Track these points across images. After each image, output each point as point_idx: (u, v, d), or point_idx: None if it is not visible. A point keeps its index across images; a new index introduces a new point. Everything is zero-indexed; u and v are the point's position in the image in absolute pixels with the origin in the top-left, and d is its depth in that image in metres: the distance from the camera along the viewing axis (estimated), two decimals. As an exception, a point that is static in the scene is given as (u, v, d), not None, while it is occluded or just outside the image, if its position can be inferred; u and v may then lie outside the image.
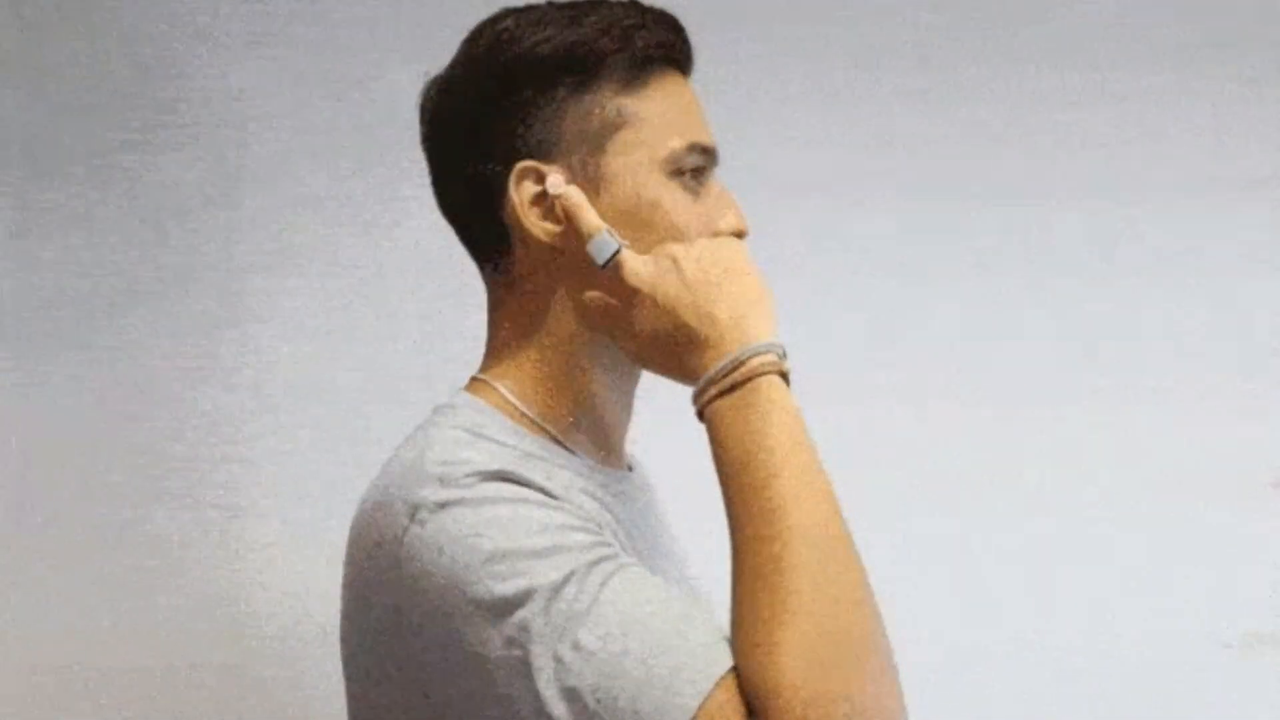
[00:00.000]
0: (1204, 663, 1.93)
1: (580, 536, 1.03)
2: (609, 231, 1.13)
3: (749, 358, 1.08)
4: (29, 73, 1.91)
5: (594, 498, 1.14)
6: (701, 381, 1.09)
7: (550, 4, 1.18)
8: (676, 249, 1.12)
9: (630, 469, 1.27)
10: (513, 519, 1.02)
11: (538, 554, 1.00)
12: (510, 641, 0.99)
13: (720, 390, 1.08)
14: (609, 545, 1.04)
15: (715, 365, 1.08)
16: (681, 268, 1.11)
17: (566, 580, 1.00)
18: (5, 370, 1.88)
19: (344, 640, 1.13)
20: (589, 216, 1.13)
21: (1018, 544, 1.92)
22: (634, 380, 1.23)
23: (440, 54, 1.23)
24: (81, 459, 1.88)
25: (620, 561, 1.03)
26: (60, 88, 1.91)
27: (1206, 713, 1.91)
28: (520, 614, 0.99)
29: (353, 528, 1.11)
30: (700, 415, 1.09)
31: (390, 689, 1.07)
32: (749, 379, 1.07)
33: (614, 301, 1.13)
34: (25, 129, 1.90)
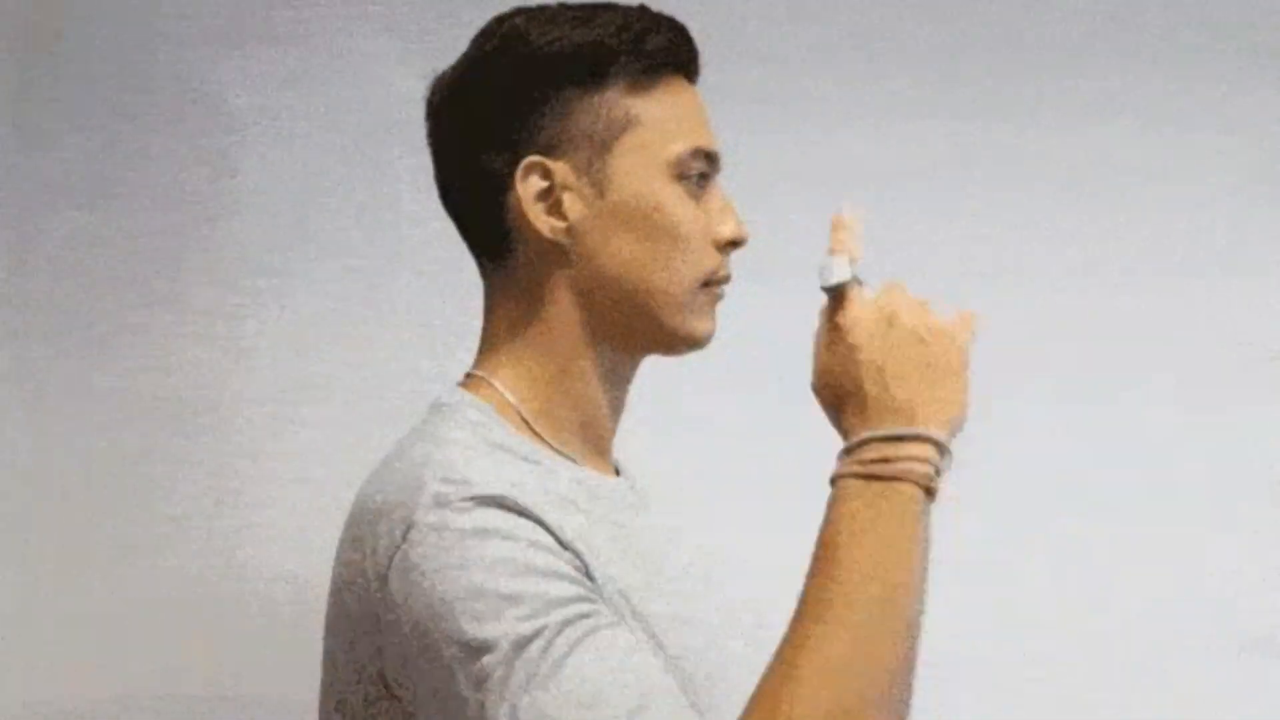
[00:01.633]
0: (1206, 663, 1.94)
1: (560, 588, 1.03)
2: (852, 261, 1.12)
3: (905, 440, 1.06)
4: (29, 74, 1.91)
5: (580, 510, 1.13)
6: (855, 439, 1.07)
7: (560, 4, 1.20)
8: (904, 312, 1.10)
9: (618, 473, 1.27)
10: (496, 556, 1.02)
11: (512, 599, 1.01)
12: (474, 683, 1.00)
13: (863, 472, 1.06)
14: (589, 600, 1.04)
15: (867, 431, 1.07)
16: (893, 334, 1.09)
17: (535, 635, 1.00)
18: (5, 371, 1.87)
19: (327, 629, 1.14)
20: (845, 236, 1.13)
21: (1017, 543, 1.93)
22: (628, 380, 1.23)
23: (440, 55, 1.24)
24: (82, 459, 1.87)
25: (594, 623, 1.03)
26: (64, 90, 1.91)
27: (1208, 713, 1.91)
28: (486, 660, 1.00)
29: (348, 526, 1.12)
30: (833, 480, 1.08)
31: (362, 682, 1.08)
32: (894, 479, 1.05)
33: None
34: (28, 134, 1.90)
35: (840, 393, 1.09)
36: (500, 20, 1.20)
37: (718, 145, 1.21)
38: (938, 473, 1.06)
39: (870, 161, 1.99)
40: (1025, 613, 1.93)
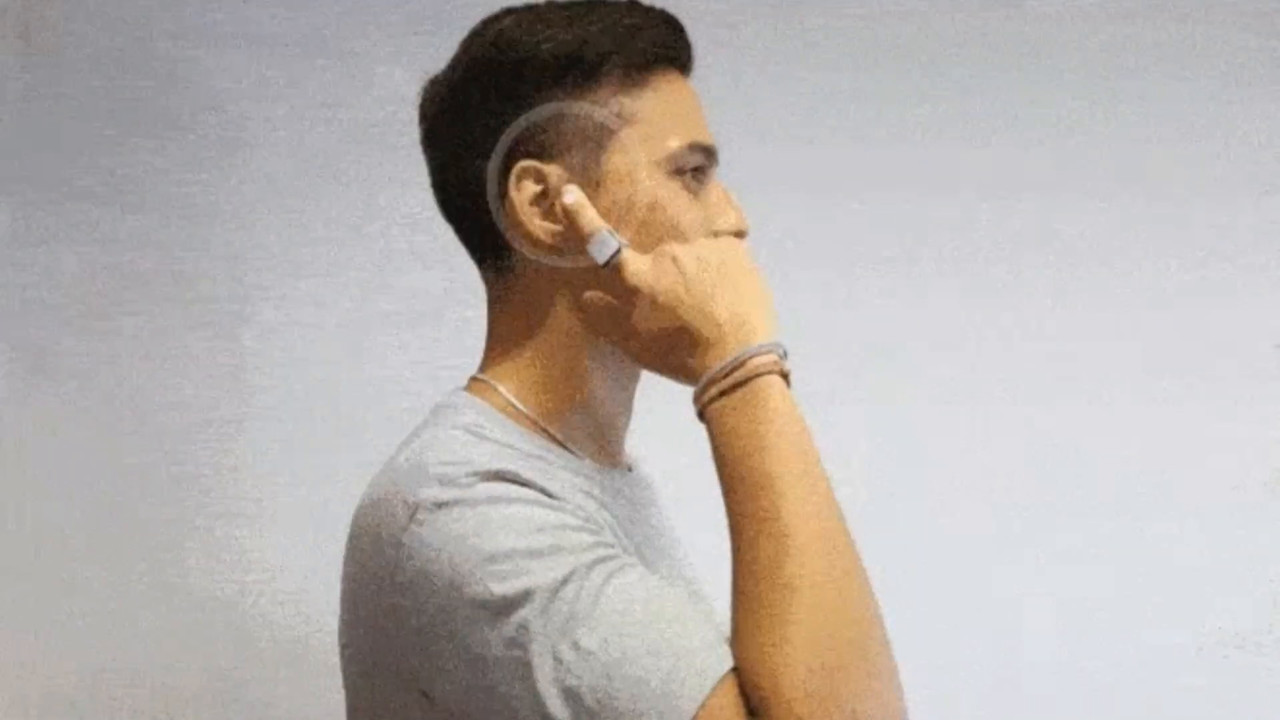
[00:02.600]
0: (1194, 665, 1.94)
1: (580, 536, 1.03)
2: (609, 231, 1.12)
3: (749, 358, 1.07)
4: (30, 76, 1.91)
5: (593, 498, 1.14)
6: (702, 381, 1.09)
7: (550, 3, 1.18)
8: (676, 248, 1.12)
9: (630, 469, 1.27)
10: (512, 519, 1.02)
11: (537, 554, 1.00)
12: (510, 642, 0.99)
13: (720, 390, 1.07)
14: (609, 545, 1.04)
15: (715, 365, 1.08)
16: (682, 267, 1.11)
17: (566, 580, 0.99)
18: (6, 372, 1.88)
19: (342, 640, 1.13)
20: (590, 216, 1.13)
21: (1016, 543, 1.92)
22: (634, 380, 1.22)
23: (440, 55, 1.23)
24: (82, 461, 1.88)
25: (621, 561, 1.03)
26: (60, 89, 1.91)
27: (1178, 710, 1.91)
28: (520, 614, 0.99)
29: (353, 526, 1.11)
30: (701, 415, 1.09)
31: (388, 689, 1.06)
32: (749, 379, 1.07)
33: (614, 301, 1.13)
34: (26, 132, 1.90)
35: (670, 344, 1.10)
36: (488, 22, 1.19)
37: (713, 139, 1.19)
38: (785, 355, 1.09)
39: (868, 164, 1.98)
40: (1015, 611, 1.92)
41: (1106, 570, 1.94)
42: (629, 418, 1.25)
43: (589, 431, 1.20)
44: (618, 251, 1.12)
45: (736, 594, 1.02)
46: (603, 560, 1.02)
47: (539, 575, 0.99)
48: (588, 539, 1.03)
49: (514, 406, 1.17)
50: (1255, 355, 1.99)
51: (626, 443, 1.27)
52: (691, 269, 1.11)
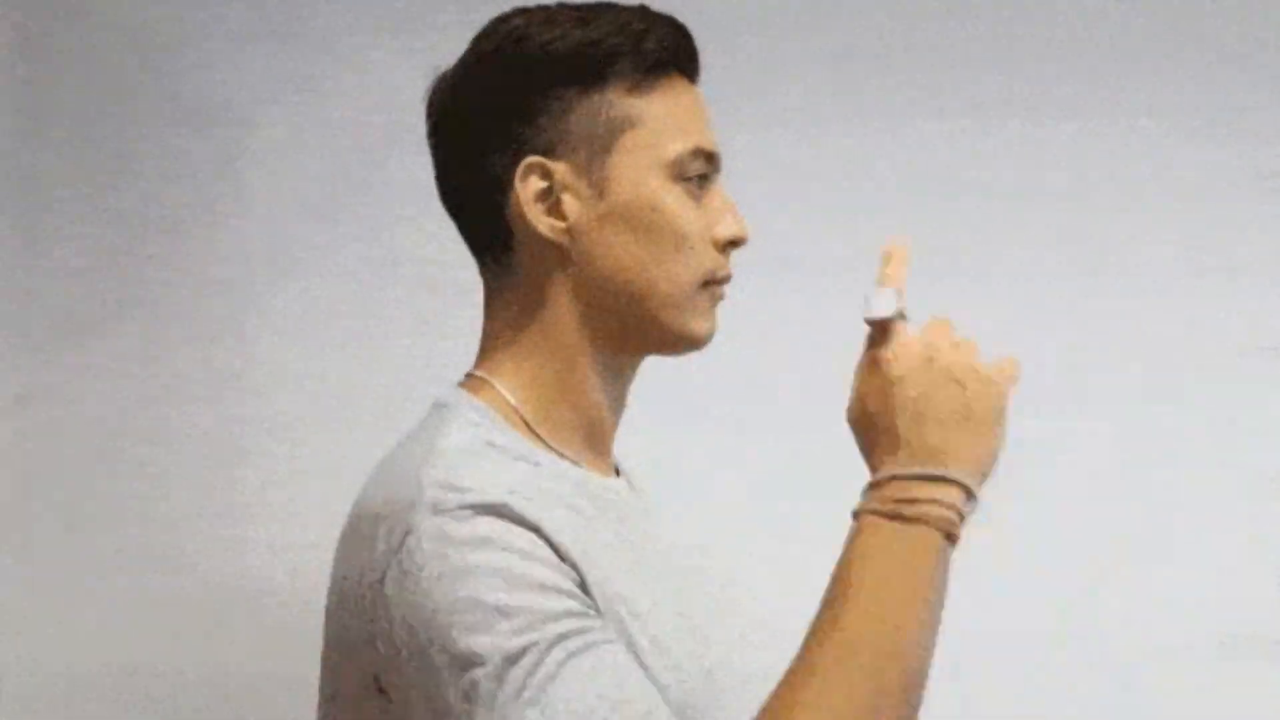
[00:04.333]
0: (1198, 663, 1.94)
1: (554, 602, 1.02)
2: (899, 294, 1.11)
3: (931, 481, 1.05)
4: (28, 76, 1.90)
5: (578, 513, 1.13)
6: (877, 476, 1.07)
7: (560, 5, 1.19)
8: (942, 355, 1.09)
9: (618, 473, 1.27)
10: (490, 568, 1.02)
11: (505, 612, 1.00)
12: (463, 695, 1.00)
13: (884, 512, 1.06)
14: (578, 613, 1.03)
15: (897, 469, 1.06)
16: (931, 373, 1.09)
17: (525, 651, 1.00)
18: (6, 374, 1.87)
19: (327, 628, 1.14)
20: (894, 268, 1.13)
21: (1002, 544, 1.92)
22: (629, 381, 1.23)
23: (443, 55, 1.24)
24: (83, 461, 1.87)
25: (587, 640, 1.02)
26: (62, 91, 1.91)
27: (1189, 712, 1.92)
28: (475, 673, 1.00)
29: (348, 526, 1.12)
30: (855, 514, 1.08)
31: (358, 689, 1.08)
32: (916, 520, 1.05)
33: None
34: (26, 133, 1.90)
35: (873, 426, 1.09)
36: (500, 20, 1.20)
37: (718, 145, 1.20)
38: (961, 519, 1.06)
39: (871, 163, 1.99)
40: (1015, 611, 1.93)
41: (1106, 570, 1.95)
42: (618, 421, 1.25)
43: (580, 432, 1.20)
44: (890, 317, 1.10)
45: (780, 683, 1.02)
46: (566, 637, 1.01)
47: (501, 637, 1.00)
48: (557, 607, 1.02)
49: (509, 405, 1.17)
50: (1257, 356, 2.01)
51: (617, 449, 1.27)
52: (938, 380, 1.08)
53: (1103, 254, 2.02)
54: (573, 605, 1.03)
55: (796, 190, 1.92)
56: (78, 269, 1.90)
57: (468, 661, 1.00)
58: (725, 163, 1.21)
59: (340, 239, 1.94)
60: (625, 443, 1.27)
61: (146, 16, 1.92)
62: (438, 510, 1.04)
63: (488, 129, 1.17)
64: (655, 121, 1.17)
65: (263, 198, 1.94)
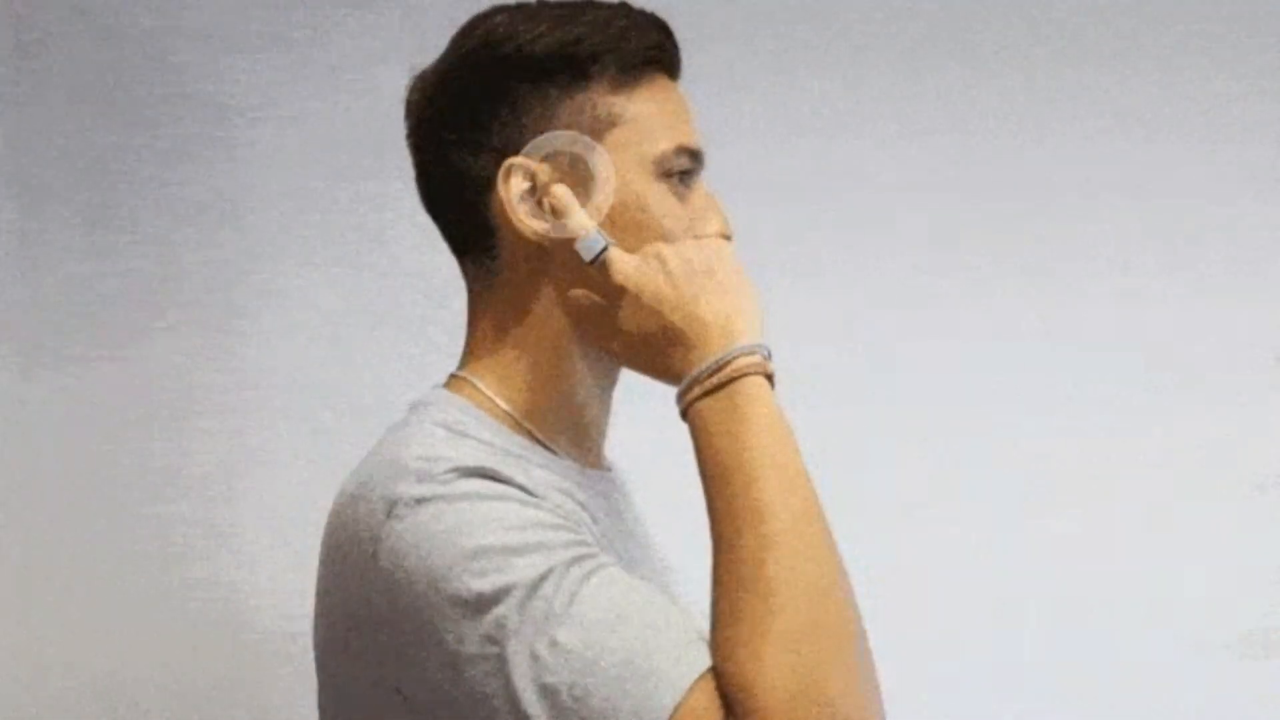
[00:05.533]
0: (1203, 663, 1.94)
1: (558, 534, 1.02)
2: (597, 229, 1.12)
3: (733, 358, 1.08)
4: (29, 77, 1.90)
5: (572, 498, 1.13)
6: (685, 381, 1.09)
7: (541, 3, 1.18)
8: (663, 248, 1.12)
9: (609, 469, 1.26)
10: (490, 516, 1.01)
11: (516, 550, 1.00)
12: (487, 638, 0.98)
13: (704, 390, 1.07)
14: (587, 544, 1.04)
15: (699, 365, 1.08)
16: (668, 267, 1.11)
17: (544, 577, 0.99)
18: (6, 375, 1.87)
19: (316, 636, 1.13)
20: (577, 214, 1.13)
21: (1008, 542, 1.93)
22: (614, 379, 1.23)
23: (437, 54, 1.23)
24: (82, 461, 1.87)
25: (599, 560, 1.02)
26: (61, 91, 1.90)
27: (1199, 712, 1.91)
28: (497, 610, 0.98)
29: (329, 521, 1.10)
30: (683, 415, 1.09)
31: (363, 686, 1.06)
32: (732, 380, 1.07)
33: (600, 300, 1.13)
34: (26, 134, 1.90)
35: (654, 344, 1.11)
36: (480, 18, 1.18)
37: (701, 143, 1.20)
38: (769, 356, 1.09)
39: (861, 165, 1.99)
40: (1016, 611, 1.93)
41: (1105, 571, 1.95)
42: (608, 417, 1.25)
43: (568, 430, 1.20)
44: (604, 250, 1.12)
45: (716, 593, 1.02)
46: (580, 559, 1.01)
47: (517, 572, 0.99)
48: (566, 536, 1.03)
49: (494, 403, 1.17)
50: (1257, 356, 2.00)
51: (605, 444, 1.26)
52: (678, 269, 1.11)
53: (1103, 254, 2.01)
54: (578, 536, 1.04)
55: (781, 192, 1.91)
56: (76, 269, 1.90)
57: (489, 602, 0.99)
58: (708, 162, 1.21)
59: (337, 240, 1.93)
60: (613, 438, 1.27)
61: (146, 17, 1.92)
62: (422, 478, 1.03)
63: (468, 130, 1.16)
64: (638, 120, 1.16)
65: (260, 196, 1.93)
